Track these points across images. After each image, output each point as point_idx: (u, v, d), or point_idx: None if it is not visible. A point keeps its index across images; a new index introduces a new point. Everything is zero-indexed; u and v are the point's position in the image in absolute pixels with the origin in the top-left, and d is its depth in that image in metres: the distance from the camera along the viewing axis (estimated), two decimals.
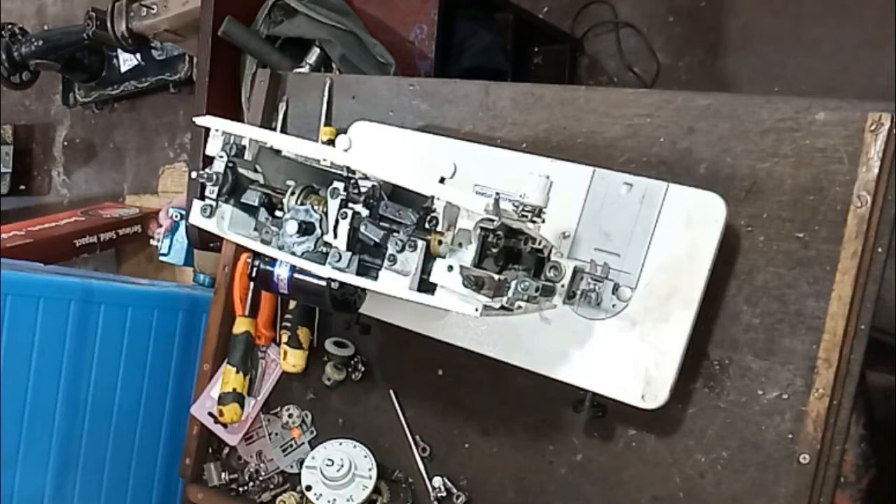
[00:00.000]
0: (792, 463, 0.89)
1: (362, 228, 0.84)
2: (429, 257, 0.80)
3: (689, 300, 0.90)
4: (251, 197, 0.91)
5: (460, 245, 0.78)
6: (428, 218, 0.81)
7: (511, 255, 0.83)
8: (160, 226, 2.15)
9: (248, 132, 0.91)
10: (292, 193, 0.89)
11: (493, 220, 0.78)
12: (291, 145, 0.91)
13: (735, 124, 0.95)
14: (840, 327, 0.88)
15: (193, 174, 0.94)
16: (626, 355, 0.93)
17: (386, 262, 0.81)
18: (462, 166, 1.04)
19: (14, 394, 1.28)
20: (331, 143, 1.19)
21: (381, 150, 1.12)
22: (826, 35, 1.86)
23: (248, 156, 0.92)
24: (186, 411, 1.28)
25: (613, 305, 0.93)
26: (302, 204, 0.88)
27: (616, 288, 0.93)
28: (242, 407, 1.20)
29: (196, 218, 0.92)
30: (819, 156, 0.91)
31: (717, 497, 0.94)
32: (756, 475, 0.92)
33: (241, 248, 1.22)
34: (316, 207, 0.87)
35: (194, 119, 1.05)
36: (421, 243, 0.80)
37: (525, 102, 1.08)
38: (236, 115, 1.52)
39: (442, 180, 1.04)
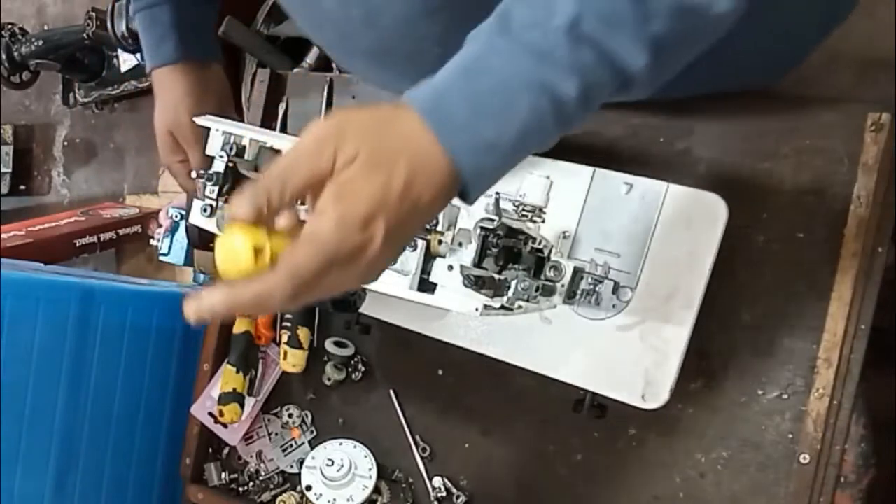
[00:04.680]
0: (792, 463, 0.89)
1: None
2: (429, 257, 0.80)
3: (689, 300, 0.90)
4: None
5: (460, 245, 0.78)
6: None
7: (511, 254, 0.83)
8: (160, 226, 2.15)
9: (248, 132, 0.91)
10: None
11: (493, 220, 0.78)
12: (291, 145, 0.91)
13: (735, 124, 0.95)
14: (840, 327, 0.88)
15: (193, 174, 0.94)
16: (626, 355, 0.92)
17: None
18: None
19: (14, 394, 1.28)
20: None
21: None
22: None
23: (248, 155, 0.92)
24: (186, 411, 1.29)
25: (614, 305, 0.93)
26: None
27: (616, 288, 0.93)
28: (242, 407, 1.20)
29: (196, 218, 0.92)
30: (819, 156, 0.91)
31: (717, 497, 0.94)
32: (756, 475, 0.92)
33: None
34: None
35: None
36: (421, 243, 0.80)
37: None
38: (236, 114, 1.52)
39: None
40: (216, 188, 0.90)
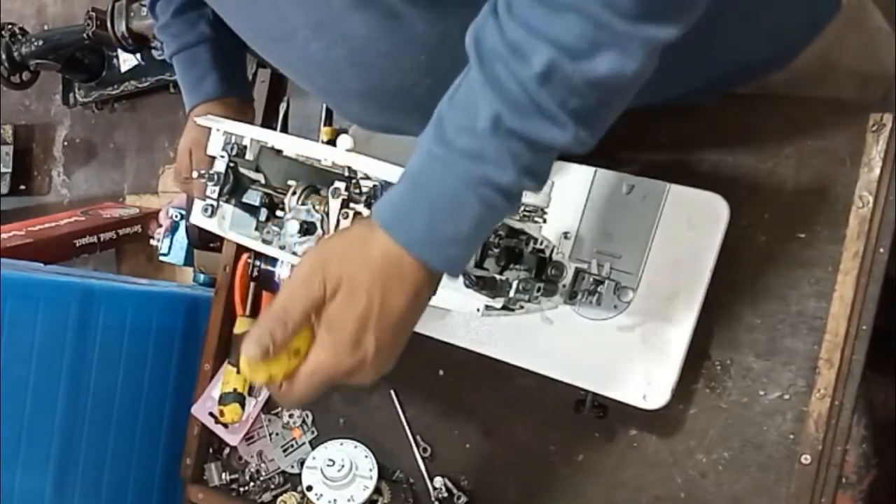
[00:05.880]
0: (793, 463, 0.89)
1: None
2: None
3: (690, 301, 0.90)
4: (252, 197, 0.91)
5: None
6: None
7: (512, 255, 0.83)
8: (160, 226, 2.14)
9: (249, 132, 0.91)
10: (293, 193, 0.89)
11: None
12: (292, 145, 0.91)
13: (736, 124, 0.95)
14: (842, 328, 0.88)
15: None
16: (627, 356, 0.92)
17: None
18: None
19: (14, 394, 1.28)
20: (331, 142, 1.19)
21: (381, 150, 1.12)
22: None
23: (249, 156, 0.92)
24: (187, 411, 1.28)
25: (615, 306, 0.93)
26: (303, 204, 0.88)
27: (617, 288, 0.93)
28: (243, 407, 1.20)
29: (197, 218, 0.91)
30: (821, 156, 0.91)
31: (719, 497, 0.94)
32: (757, 475, 0.92)
33: (241, 248, 1.22)
34: (317, 207, 0.87)
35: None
36: None
37: None
38: None
39: None
40: (217, 188, 0.89)
